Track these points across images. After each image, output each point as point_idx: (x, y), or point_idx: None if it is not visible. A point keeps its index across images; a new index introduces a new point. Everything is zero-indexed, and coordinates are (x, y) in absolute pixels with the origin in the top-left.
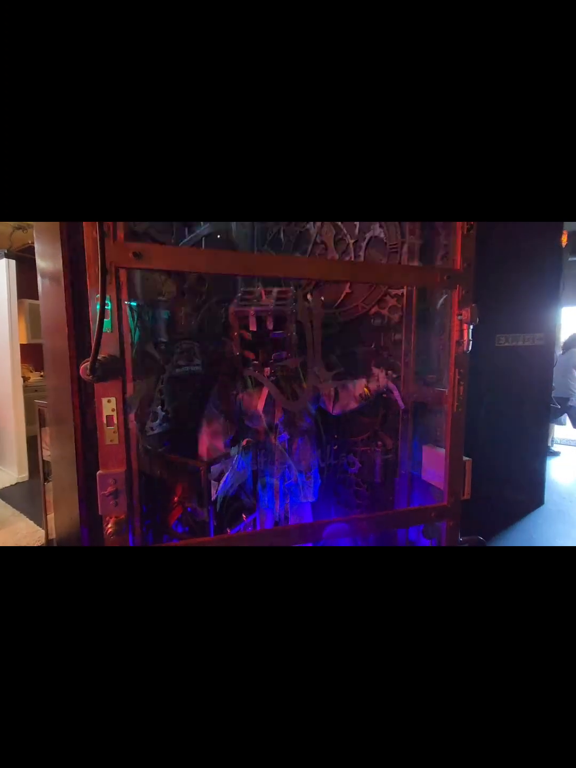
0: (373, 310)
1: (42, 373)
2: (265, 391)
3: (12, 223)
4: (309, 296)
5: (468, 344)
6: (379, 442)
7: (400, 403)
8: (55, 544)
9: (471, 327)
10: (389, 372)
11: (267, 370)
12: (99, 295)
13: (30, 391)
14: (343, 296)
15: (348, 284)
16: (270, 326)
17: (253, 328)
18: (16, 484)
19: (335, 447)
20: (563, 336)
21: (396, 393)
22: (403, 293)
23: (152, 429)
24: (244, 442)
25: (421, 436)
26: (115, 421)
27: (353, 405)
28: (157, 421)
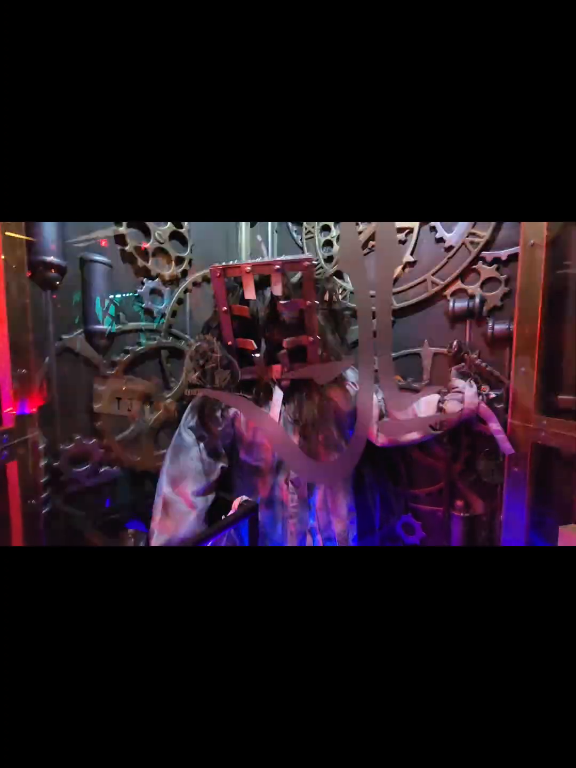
0: (452, 287)
1: None
2: (277, 404)
3: None
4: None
5: None
6: (459, 501)
7: (506, 444)
8: None
9: None
10: (483, 388)
11: (276, 368)
12: None
13: None
14: (401, 269)
15: (410, 249)
16: (277, 292)
17: (249, 295)
18: None
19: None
20: None
21: (494, 425)
22: (512, 255)
23: (77, 479)
24: (236, 503)
25: (545, 502)
26: None
27: (413, 436)
28: (87, 466)
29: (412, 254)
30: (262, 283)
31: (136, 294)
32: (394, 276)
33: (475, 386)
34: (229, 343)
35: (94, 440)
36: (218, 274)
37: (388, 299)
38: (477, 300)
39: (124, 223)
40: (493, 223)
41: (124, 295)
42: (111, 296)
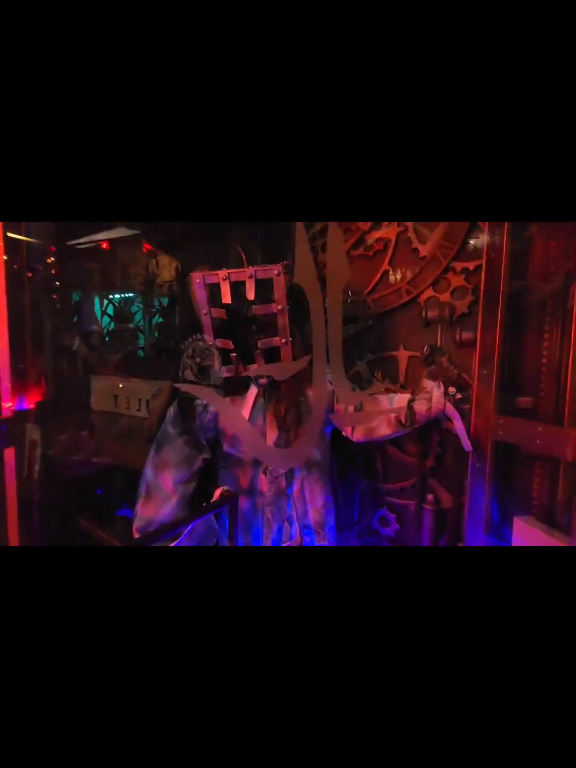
0: (426, 295)
1: None
2: (250, 399)
3: None
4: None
5: None
6: (429, 495)
7: (465, 440)
8: None
9: None
10: (451, 389)
11: (253, 367)
12: None
13: None
14: (377, 276)
15: (387, 257)
16: (250, 296)
17: (226, 300)
18: None
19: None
20: None
21: (458, 423)
22: (479, 266)
23: (68, 466)
24: (218, 493)
25: (504, 495)
26: None
27: (384, 431)
28: (75, 456)
29: (390, 263)
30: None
31: (134, 295)
32: (371, 285)
33: (442, 387)
34: (210, 343)
35: (85, 432)
36: (198, 281)
37: (338, 308)
38: (448, 307)
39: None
40: (462, 236)
41: (122, 295)
42: (111, 296)
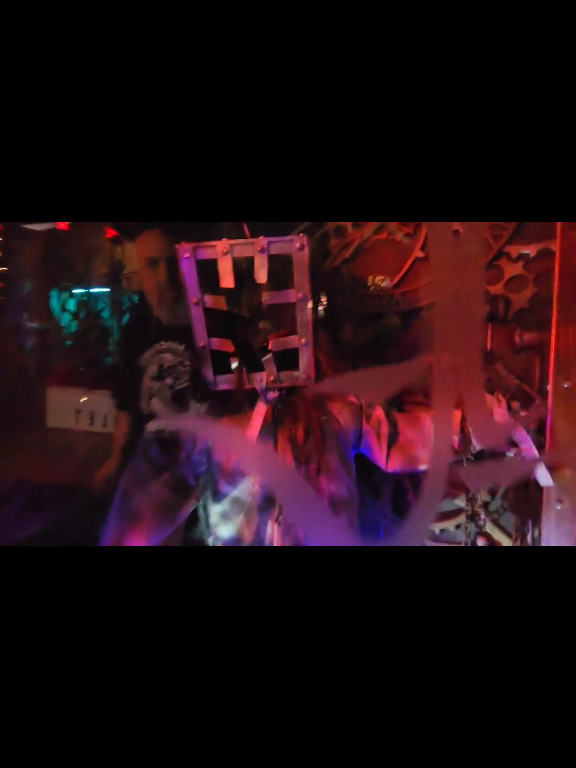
0: None
1: None
2: (256, 421)
3: None
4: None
5: None
6: (482, 538)
7: (543, 472)
8: None
9: None
10: (514, 404)
11: (264, 376)
12: None
13: None
14: (407, 265)
15: (419, 242)
16: (260, 279)
17: (226, 283)
18: None
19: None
20: None
21: (528, 449)
22: (543, 250)
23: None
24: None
25: None
26: None
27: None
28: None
29: (422, 250)
30: (243, 269)
31: (101, 288)
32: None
33: (504, 402)
34: (202, 344)
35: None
36: (187, 256)
37: (480, 297)
38: (502, 301)
39: None
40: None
41: (87, 288)
42: (74, 290)
